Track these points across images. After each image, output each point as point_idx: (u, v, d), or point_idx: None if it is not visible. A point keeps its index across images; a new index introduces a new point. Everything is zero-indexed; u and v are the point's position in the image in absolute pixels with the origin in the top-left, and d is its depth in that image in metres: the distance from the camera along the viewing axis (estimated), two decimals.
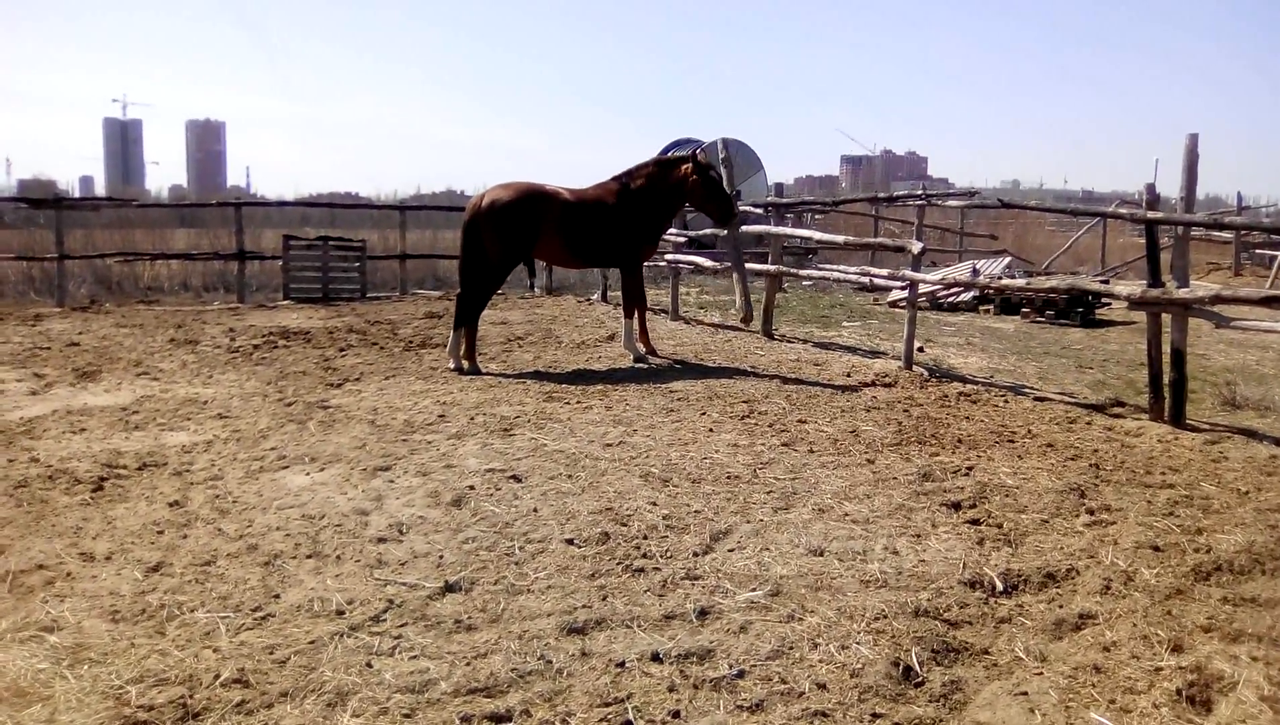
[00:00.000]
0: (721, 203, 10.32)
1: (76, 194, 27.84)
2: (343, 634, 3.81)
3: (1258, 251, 25.60)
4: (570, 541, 4.84)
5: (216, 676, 3.46)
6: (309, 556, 4.64)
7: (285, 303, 15.71)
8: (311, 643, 3.73)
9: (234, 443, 6.70)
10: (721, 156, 11.79)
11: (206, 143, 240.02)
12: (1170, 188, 8.36)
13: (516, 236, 9.59)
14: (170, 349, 10.61)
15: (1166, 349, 7.86)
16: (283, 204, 23.58)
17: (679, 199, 10.33)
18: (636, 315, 10.42)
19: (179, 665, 3.55)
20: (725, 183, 10.82)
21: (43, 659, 3.59)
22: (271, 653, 3.65)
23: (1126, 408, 8.43)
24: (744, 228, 12.74)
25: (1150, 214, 8.14)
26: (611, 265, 10.75)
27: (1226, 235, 24.74)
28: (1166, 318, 7.94)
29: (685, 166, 10.13)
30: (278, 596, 4.18)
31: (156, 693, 3.36)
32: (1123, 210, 10.89)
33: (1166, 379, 7.85)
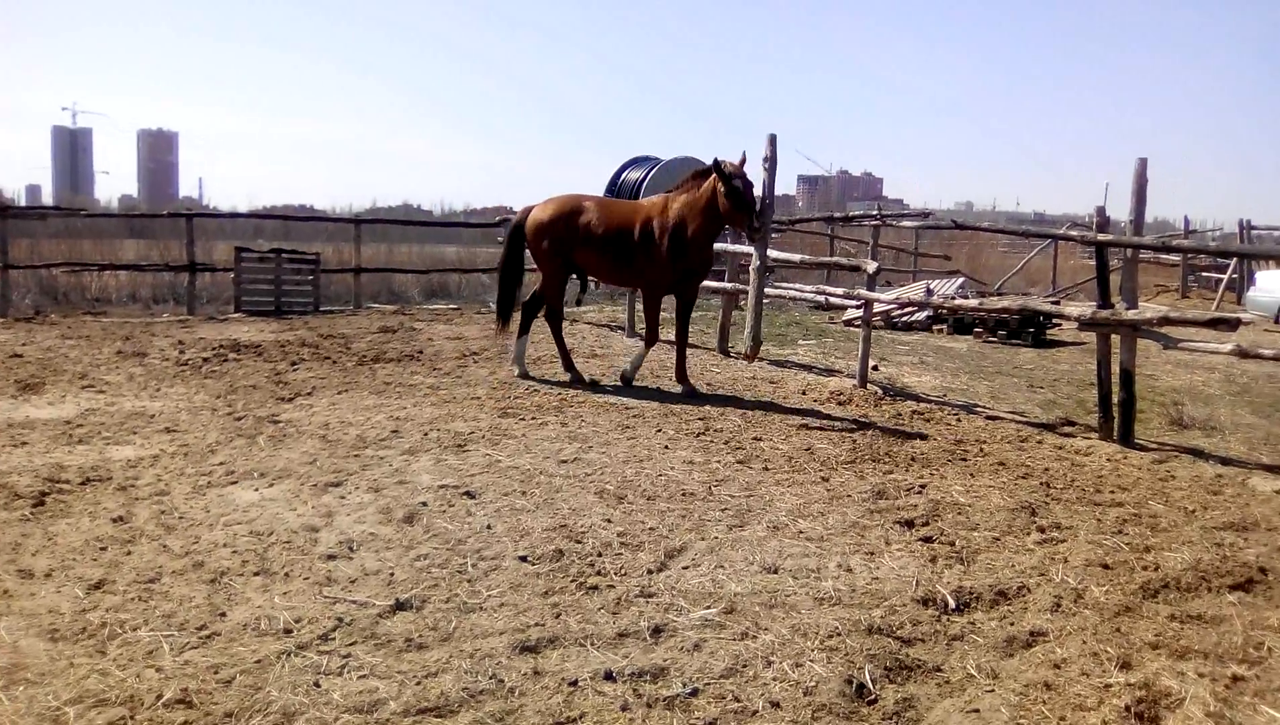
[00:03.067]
0: (747, 212, 8.97)
1: (23, 203, 27.29)
2: (290, 653, 3.74)
3: (1204, 274, 26.20)
4: (524, 559, 4.79)
5: (159, 697, 3.37)
6: (256, 574, 4.55)
7: (236, 316, 15.50)
8: (258, 662, 3.66)
9: (181, 457, 6.57)
10: (764, 155, 9.83)
11: (159, 153, 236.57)
12: (1120, 211, 8.49)
13: (553, 250, 9.76)
14: (117, 361, 10.41)
15: (1116, 369, 7.99)
16: (235, 215, 23.30)
17: (713, 215, 9.19)
18: (650, 342, 9.91)
19: (120, 685, 3.45)
20: (761, 187, 9.56)
21: None
22: (216, 672, 3.57)
23: (1077, 427, 8.54)
24: None
25: (1100, 236, 8.28)
26: (635, 286, 10.57)
27: (1174, 258, 25.31)
28: (1116, 338, 8.07)
29: (711, 177, 9.15)
30: (224, 615, 4.09)
31: (96, 714, 3.27)
32: (1073, 232, 11.04)
33: (1116, 399, 7.97)
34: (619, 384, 9.76)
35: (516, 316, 10.37)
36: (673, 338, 10.33)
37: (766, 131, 9.20)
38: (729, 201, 8.94)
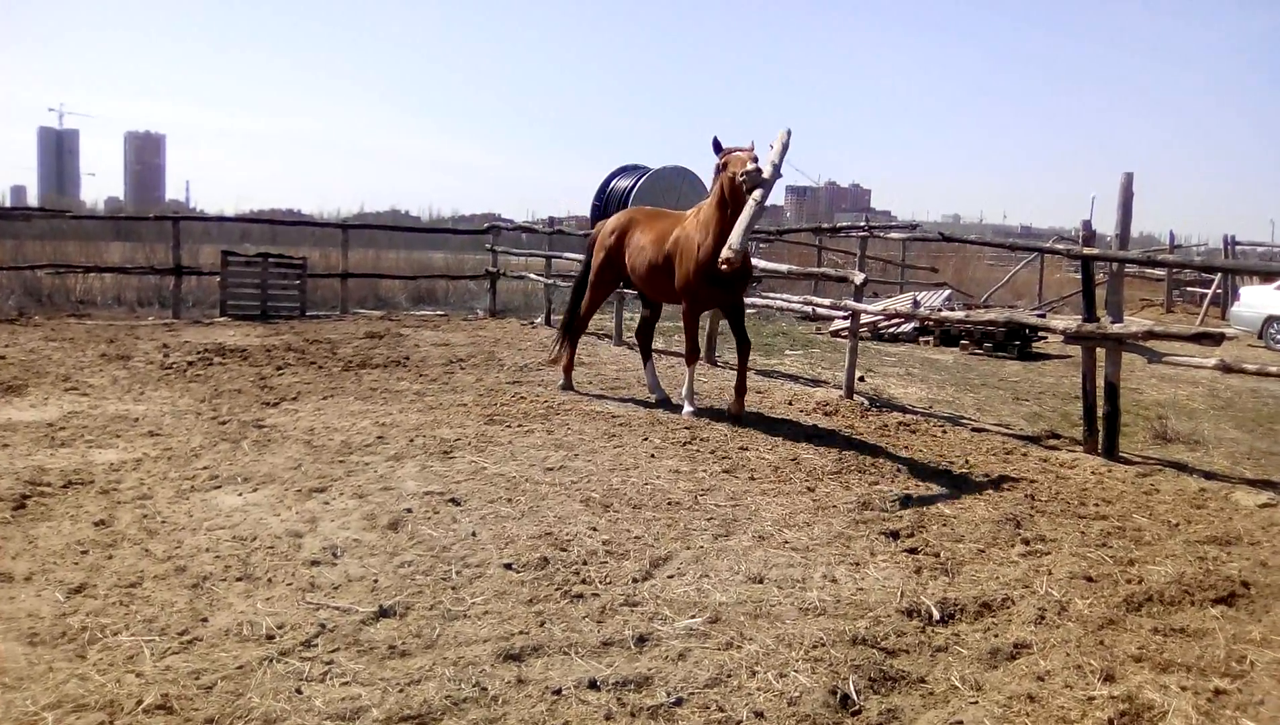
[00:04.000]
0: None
1: (7, 204, 27.12)
2: (272, 659, 3.71)
3: (1188, 289, 26.37)
4: (509, 566, 4.78)
5: (139, 702, 3.34)
6: (239, 579, 4.52)
7: (222, 319, 15.45)
8: (239, 668, 3.63)
9: (164, 461, 6.53)
10: (772, 146, 8.41)
11: (145, 155, 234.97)
12: (1106, 225, 8.55)
13: (605, 263, 9.72)
14: (101, 364, 10.36)
15: (1100, 383, 8.02)
16: (222, 219, 23.26)
17: (733, 206, 8.23)
18: (690, 365, 9.17)
19: (100, 691, 3.42)
20: (768, 163, 8.18)
21: None
22: (197, 678, 3.54)
23: (1061, 440, 8.57)
24: None
25: (1086, 250, 8.32)
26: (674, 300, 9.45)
27: (1159, 273, 25.47)
28: (1101, 352, 8.10)
29: (723, 172, 8.39)
30: (205, 620, 4.06)
31: (74, 719, 3.24)
32: (1060, 246, 11.10)
33: (1100, 412, 8.00)
34: (607, 394, 9.76)
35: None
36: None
37: (756, 138, 8.60)
38: (728, 174, 8.19)
